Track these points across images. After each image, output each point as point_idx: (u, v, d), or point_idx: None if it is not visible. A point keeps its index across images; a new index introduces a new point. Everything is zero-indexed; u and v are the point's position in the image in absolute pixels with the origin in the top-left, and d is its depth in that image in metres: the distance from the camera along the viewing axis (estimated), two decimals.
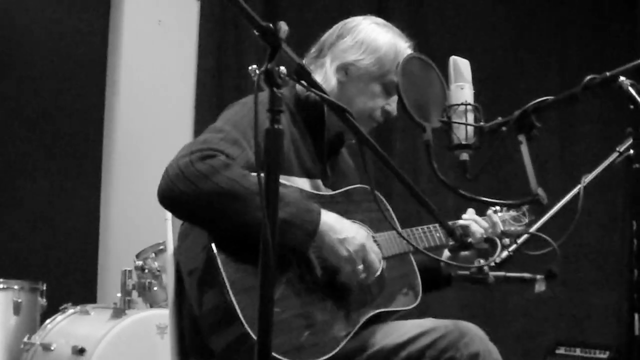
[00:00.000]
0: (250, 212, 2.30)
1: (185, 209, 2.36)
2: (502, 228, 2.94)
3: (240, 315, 2.28)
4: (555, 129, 6.58)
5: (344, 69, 2.77)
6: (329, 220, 2.46)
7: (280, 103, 1.80)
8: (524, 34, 6.76)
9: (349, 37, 2.78)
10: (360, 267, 2.50)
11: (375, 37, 2.77)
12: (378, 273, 2.62)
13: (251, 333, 2.26)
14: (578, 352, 5.72)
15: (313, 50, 2.85)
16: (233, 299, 2.29)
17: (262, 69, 1.81)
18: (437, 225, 2.82)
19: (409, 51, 2.79)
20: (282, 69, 1.82)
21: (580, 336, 6.23)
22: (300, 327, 2.38)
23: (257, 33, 1.81)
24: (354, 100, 2.73)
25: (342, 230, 2.47)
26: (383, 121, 2.82)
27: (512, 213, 3.06)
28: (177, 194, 2.31)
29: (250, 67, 1.84)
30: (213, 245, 2.36)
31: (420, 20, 6.49)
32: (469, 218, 2.91)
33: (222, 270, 2.33)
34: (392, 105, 2.79)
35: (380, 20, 2.87)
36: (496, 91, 6.14)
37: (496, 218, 2.95)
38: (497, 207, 3.05)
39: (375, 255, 2.54)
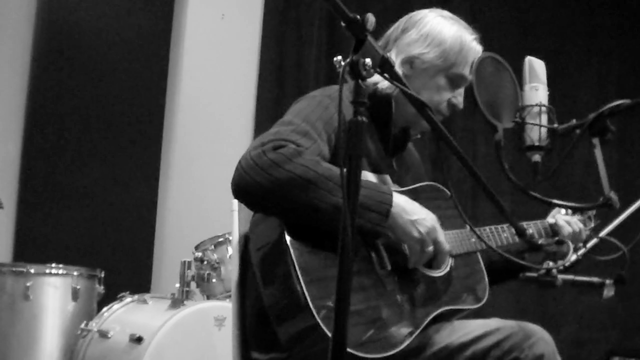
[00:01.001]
0: (325, 198, 2.30)
1: (259, 198, 2.35)
2: (583, 236, 2.94)
3: (311, 305, 2.27)
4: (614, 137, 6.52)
5: (409, 62, 2.76)
6: (401, 201, 2.45)
7: (365, 95, 1.80)
8: (584, 38, 6.72)
9: (414, 31, 2.78)
10: (431, 248, 2.49)
11: (440, 30, 2.76)
12: (443, 271, 2.63)
13: (321, 323, 2.25)
14: None
15: (379, 44, 2.85)
16: (304, 287, 2.29)
17: (348, 60, 1.81)
18: (504, 225, 2.81)
19: (474, 44, 2.79)
20: (368, 61, 1.82)
21: (632, 345, 6.17)
22: (366, 321, 2.37)
23: (343, 24, 1.81)
24: (420, 94, 2.67)
25: (414, 211, 2.46)
26: (449, 114, 2.81)
27: (579, 217, 3.04)
28: (251, 184, 2.30)
29: (335, 59, 1.83)
30: (285, 232, 2.36)
31: (483, 20, 6.46)
32: (563, 218, 2.91)
33: (294, 258, 2.32)
34: (458, 98, 2.78)
35: (446, 12, 2.86)
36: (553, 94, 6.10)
37: (581, 225, 2.95)
38: (563, 210, 3.04)
39: (444, 237, 2.53)
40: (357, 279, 2.41)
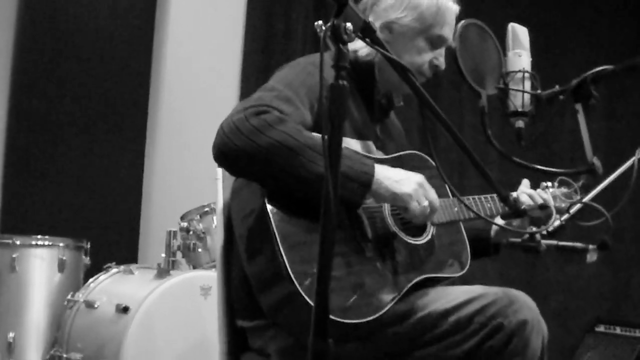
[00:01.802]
0: (305, 166, 2.30)
1: (240, 163, 2.36)
2: (553, 205, 2.94)
3: (291, 272, 2.28)
4: (599, 103, 6.52)
5: (388, 28, 2.77)
6: (384, 169, 2.45)
7: (346, 59, 1.80)
8: (577, 6, 6.71)
9: None
10: (426, 202, 2.49)
11: None
12: (425, 238, 2.64)
13: (300, 290, 2.26)
14: (618, 330, 5.69)
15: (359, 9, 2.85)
16: (284, 254, 2.30)
17: (329, 24, 1.81)
18: (488, 196, 2.82)
19: (450, 3, 2.80)
20: (349, 25, 1.82)
21: (620, 313, 6.20)
22: (347, 287, 2.38)
23: None
24: (401, 58, 2.66)
25: (398, 174, 2.47)
26: (431, 75, 2.82)
27: (564, 190, 3.05)
28: (232, 149, 2.31)
29: (316, 23, 1.83)
30: (266, 199, 2.36)
31: None
32: (524, 191, 2.91)
33: (273, 225, 2.33)
34: (439, 59, 2.79)
35: None
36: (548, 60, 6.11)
37: (547, 196, 2.95)
38: (549, 183, 3.04)
39: (434, 193, 2.53)
40: (338, 246, 2.41)
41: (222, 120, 2.37)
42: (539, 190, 3.00)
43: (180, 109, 6.09)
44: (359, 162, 2.42)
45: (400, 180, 2.45)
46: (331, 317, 2.24)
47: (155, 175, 6.05)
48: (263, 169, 2.35)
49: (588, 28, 6.75)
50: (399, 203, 2.47)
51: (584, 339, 5.76)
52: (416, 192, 2.46)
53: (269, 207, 2.36)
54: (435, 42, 2.78)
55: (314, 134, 2.40)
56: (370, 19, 2.77)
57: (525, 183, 2.95)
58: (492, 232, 2.98)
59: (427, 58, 2.78)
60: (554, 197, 3.02)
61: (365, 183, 2.39)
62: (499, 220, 2.86)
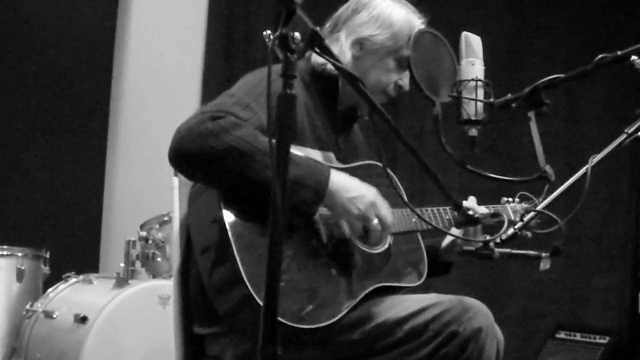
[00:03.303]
0: (259, 171, 2.32)
1: (194, 166, 2.39)
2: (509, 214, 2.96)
3: (243, 274, 2.30)
4: (561, 110, 6.57)
5: (359, 44, 2.80)
6: (338, 179, 2.47)
7: (294, 68, 1.80)
8: (532, 12, 6.75)
9: (364, 12, 2.82)
10: (375, 221, 2.51)
11: (390, 13, 2.81)
12: (382, 247, 2.64)
13: (253, 293, 2.28)
14: (578, 336, 5.72)
15: (328, 25, 2.89)
16: (237, 256, 2.32)
17: (277, 33, 1.81)
18: (447, 208, 2.84)
19: (422, 27, 2.81)
20: (297, 34, 1.82)
21: (580, 319, 6.23)
22: (302, 292, 2.40)
23: None
24: (368, 74, 2.75)
25: (352, 188, 2.49)
26: (395, 96, 2.84)
27: (525, 205, 3.07)
28: (186, 152, 2.33)
29: (264, 32, 1.84)
30: (222, 203, 2.39)
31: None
32: (468, 205, 2.91)
33: (228, 227, 2.36)
34: (404, 80, 2.81)
35: None
36: (504, 69, 6.14)
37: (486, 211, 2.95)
38: (510, 199, 3.07)
39: (386, 210, 2.55)
40: (293, 250, 2.43)
41: None
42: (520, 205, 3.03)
43: (142, 117, 6.07)
44: (314, 170, 2.43)
45: (354, 198, 2.48)
46: (284, 321, 2.27)
47: (116, 183, 6.02)
48: (217, 173, 2.38)
49: (546, 35, 6.79)
50: (348, 219, 2.51)
51: (545, 345, 5.79)
52: (367, 211, 2.49)
53: (224, 210, 2.38)
54: (404, 63, 2.79)
55: None
56: (343, 33, 2.81)
57: (472, 200, 2.95)
58: (442, 249, 2.97)
59: (393, 78, 2.81)
60: (514, 212, 3.06)
61: (318, 192, 2.41)
62: (455, 231, 2.87)
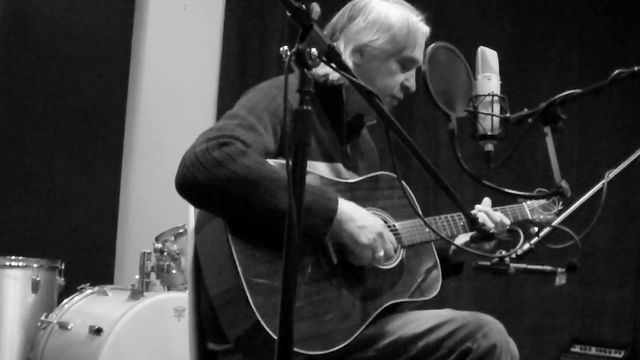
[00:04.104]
0: (267, 200, 2.31)
1: (201, 196, 2.36)
2: (508, 223, 2.93)
3: (252, 304, 2.28)
4: (575, 125, 6.56)
5: (360, 51, 2.77)
6: (346, 208, 2.46)
7: (310, 84, 1.80)
8: (545, 27, 6.75)
9: (360, 18, 2.78)
10: (382, 253, 2.51)
11: (387, 14, 2.77)
12: (394, 263, 2.64)
13: (262, 322, 2.26)
14: (594, 350, 5.71)
15: (324, 34, 2.86)
16: (245, 286, 2.30)
17: (294, 50, 1.81)
18: (460, 214, 2.81)
19: (421, 24, 2.82)
20: (314, 50, 1.82)
21: (595, 333, 6.21)
22: (314, 316, 2.39)
23: (288, 13, 1.81)
24: (373, 81, 2.73)
25: (361, 218, 2.48)
26: (403, 97, 2.83)
27: (542, 201, 3.05)
28: (193, 182, 2.31)
29: (281, 48, 1.84)
30: (228, 231, 2.36)
31: (445, 10, 6.48)
32: (482, 209, 2.90)
33: (235, 256, 2.33)
34: (410, 80, 2.80)
35: None
36: (515, 84, 6.14)
37: (500, 217, 2.92)
38: (488, 202, 3.05)
39: (391, 245, 2.55)
40: (304, 274, 2.43)
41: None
42: (496, 209, 3.00)
43: (157, 129, 6.08)
44: (323, 197, 2.43)
45: (362, 228, 2.47)
46: (298, 350, 2.26)
47: (131, 195, 6.03)
48: (224, 202, 2.35)
49: (559, 50, 6.79)
50: (356, 250, 2.49)
51: (560, 359, 5.77)
52: (374, 242, 2.49)
53: (231, 238, 2.35)
54: (407, 64, 2.79)
55: (277, 163, 2.41)
56: (341, 42, 2.78)
57: (486, 202, 2.94)
58: (451, 251, 2.94)
59: (398, 80, 2.79)
60: (532, 210, 3.04)
61: (327, 220, 2.41)
62: (467, 242, 2.85)
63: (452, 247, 2.92)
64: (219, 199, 2.34)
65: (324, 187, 2.53)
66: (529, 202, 3.06)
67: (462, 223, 2.82)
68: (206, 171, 2.30)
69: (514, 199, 3.02)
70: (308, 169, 2.44)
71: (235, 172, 2.30)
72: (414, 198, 2.73)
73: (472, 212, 2.87)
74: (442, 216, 2.80)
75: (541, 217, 3.02)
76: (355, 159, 2.86)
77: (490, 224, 2.84)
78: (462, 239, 2.89)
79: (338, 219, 2.42)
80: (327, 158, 2.69)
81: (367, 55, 2.77)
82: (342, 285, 2.50)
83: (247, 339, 2.37)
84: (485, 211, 2.88)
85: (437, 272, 2.80)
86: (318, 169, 2.59)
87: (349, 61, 2.74)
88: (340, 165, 2.73)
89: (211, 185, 2.30)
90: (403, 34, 2.76)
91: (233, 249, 2.34)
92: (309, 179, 2.42)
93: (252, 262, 2.35)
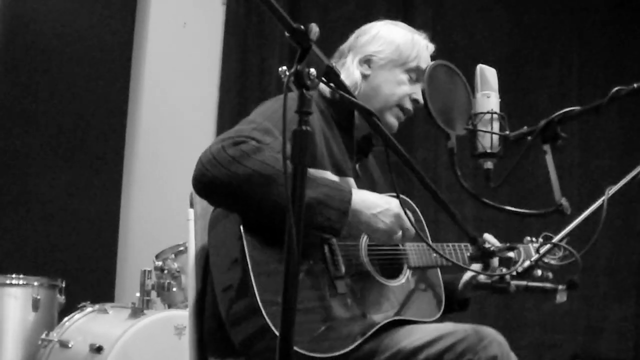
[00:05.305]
0: (282, 194, 2.32)
1: (218, 193, 2.39)
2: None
3: (259, 300, 2.30)
4: (575, 141, 6.57)
5: (367, 62, 2.85)
6: (361, 196, 2.49)
7: (310, 105, 1.80)
8: (544, 45, 6.77)
9: (366, 35, 2.90)
10: (400, 234, 2.53)
11: (390, 31, 2.90)
12: (399, 281, 2.65)
13: (267, 319, 2.28)
14: None
15: (334, 58, 2.93)
16: (254, 281, 2.32)
17: (292, 70, 1.82)
18: (467, 244, 2.82)
19: (425, 41, 2.91)
20: (312, 70, 1.83)
21: (596, 349, 6.21)
22: (318, 322, 2.39)
23: (287, 34, 1.82)
24: (381, 89, 2.81)
25: (376, 204, 2.50)
26: (412, 110, 2.87)
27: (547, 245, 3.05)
28: (210, 179, 2.34)
29: (280, 69, 1.84)
30: (242, 228, 2.39)
31: (445, 29, 6.50)
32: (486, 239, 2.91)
33: (247, 253, 2.36)
34: (418, 94, 2.83)
35: (395, 22, 2.98)
36: (514, 101, 6.15)
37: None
38: (533, 238, 3.05)
39: (409, 223, 2.54)
40: (310, 279, 2.44)
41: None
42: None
43: (157, 148, 6.08)
44: (336, 189, 2.45)
45: (380, 213, 2.49)
46: (299, 350, 2.26)
47: (131, 213, 6.02)
48: (241, 198, 2.37)
49: (559, 68, 6.80)
50: (374, 235, 2.52)
51: None
52: (393, 225, 2.51)
53: (244, 235, 2.38)
54: (414, 74, 2.84)
55: None
56: (349, 57, 2.87)
57: (488, 237, 2.93)
58: (460, 286, 2.94)
59: (407, 90, 2.84)
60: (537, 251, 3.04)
61: (343, 211, 2.42)
62: (474, 267, 2.85)
63: (461, 283, 2.93)
64: (235, 195, 2.36)
65: (337, 182, 2.55)
66: (534, 244, 3.05)
67: (468, 254, 2.82)
68: (223, 168, 2.33)
69: (510, 228, 3.01)
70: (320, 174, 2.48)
71: (251, 168, 2.33)
72: (424, 221, 2.75)
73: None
74: (450, 244, 2.83)
75: (545, 260, 3.00)
76: (364, 179, 2.88)
77: (492, 242, 2.85)
78: (469, 274, 2.90)
79: (353, 208, 2.44)
80: (339, 172, 2.70)
81: (375, 65, 2.85)
82: (347, 295, 2.51)
83: (253, 342, 2.38)
84: (486, 240, 2.89)
85: (441, 297, 2.81)
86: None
87: (356, 72, 2.83)
88: (351, 181, 2.75)
89: (228, 181, 2.33)
90: (408, 46, 2.85)
91: (245, 245, 2.36)
92: (320, 174, 2.46)
93: (263, 259, 2.37)
